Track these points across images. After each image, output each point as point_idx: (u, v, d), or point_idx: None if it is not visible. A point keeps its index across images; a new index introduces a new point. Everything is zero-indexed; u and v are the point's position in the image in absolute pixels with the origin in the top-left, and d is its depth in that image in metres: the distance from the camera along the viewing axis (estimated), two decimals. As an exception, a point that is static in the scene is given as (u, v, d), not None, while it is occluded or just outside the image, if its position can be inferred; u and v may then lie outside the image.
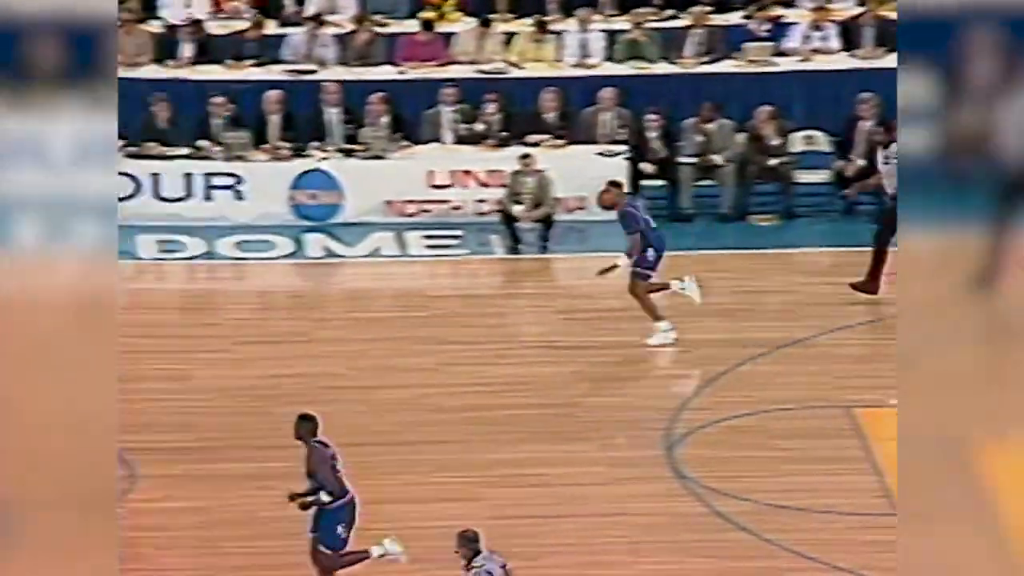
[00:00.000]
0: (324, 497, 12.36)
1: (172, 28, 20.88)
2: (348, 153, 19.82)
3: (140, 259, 18.99)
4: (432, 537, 13.51)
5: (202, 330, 17.24)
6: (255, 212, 19.58)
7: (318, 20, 20.97)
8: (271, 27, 21.01)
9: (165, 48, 20.70)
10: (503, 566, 11.66)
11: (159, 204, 19.53)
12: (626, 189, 17.64)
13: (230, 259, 19.04)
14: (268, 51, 20.76)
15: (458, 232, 19.45)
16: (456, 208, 19.65)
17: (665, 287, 16.66)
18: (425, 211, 19.62)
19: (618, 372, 16.59)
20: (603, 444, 14.99)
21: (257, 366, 16.31)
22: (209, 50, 20.69)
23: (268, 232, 19.40)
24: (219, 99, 19.85)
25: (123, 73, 20.33)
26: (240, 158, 19.68)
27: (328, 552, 12.51)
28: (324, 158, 19.75)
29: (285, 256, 19.12)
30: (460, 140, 20.13)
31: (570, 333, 17.10)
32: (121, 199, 19.38)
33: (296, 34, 20.87)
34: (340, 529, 12.45)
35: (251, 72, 20.52)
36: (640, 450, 14.85)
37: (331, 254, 19.19)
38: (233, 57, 20.69)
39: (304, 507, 12.44)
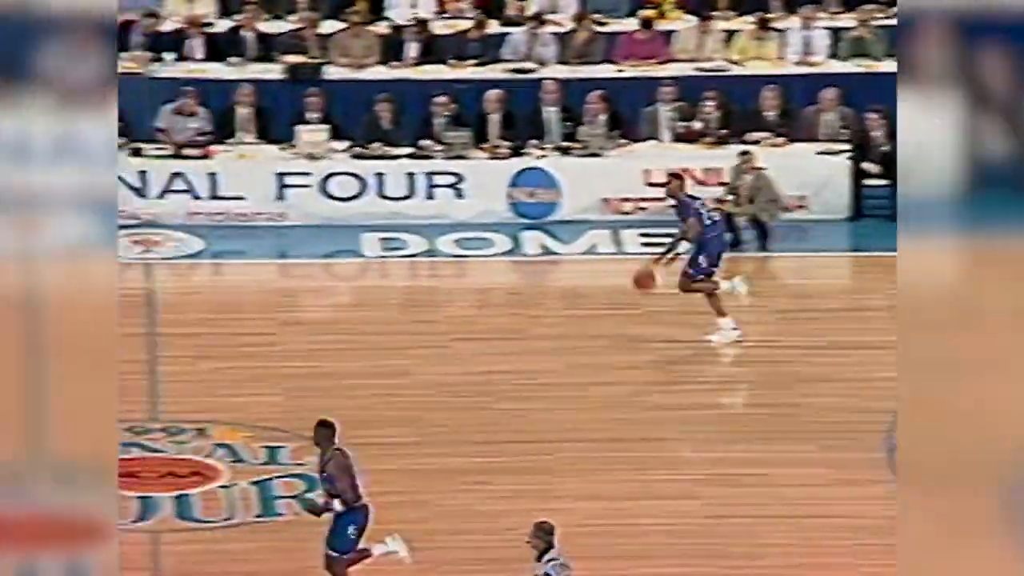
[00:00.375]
0: (338, 506, 12.20)
1: (398, 29, 21.14)
2: (566, 151, 19.87)
3: (365, 257, 19.28)
4: (648, 534, 13.51)
5: (422, 327, 17.42)
6: (475, 210, 19.74)
7: (539, 19, 21.05)
8: (493, 26, 21.14)
9: (391, 49, 20.98)
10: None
11: (383, 203, 19.78)
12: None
13: (450, 256, 19.22)
14: (490, 50, 20.91)
15: (674, 230, 19.38)
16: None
17: (715, 287, 16.51)
18: (641, 209, 19.58)
19: (839, 372, 16.35)
20: (823, 445, 14.80)
21: (475, 362, 16.43)
22: (433, 50, 20.90)
23: (487, 230, 19.54)
24: (442, 98, 20.05)
25: (350, 75, 20.73)
26: (461, 157, 19.86)
27: (335, 554, 12.31)
28: (542, 156, 19.84)
29: (503, 254, 19.23)
30: (678, 138, 20.04)
31: (790, 332, 16.92)
32: (346, 199, 19.73)
33: (517, 33, 20.99)
34: (351, 531, 12.26)
35: (473, 71, 20.70)
36: (861, 452, 14.63)
37: (548, 251, 19.26)
38: (456, 57, 20.88)
39: (316, 514, 12.34)
